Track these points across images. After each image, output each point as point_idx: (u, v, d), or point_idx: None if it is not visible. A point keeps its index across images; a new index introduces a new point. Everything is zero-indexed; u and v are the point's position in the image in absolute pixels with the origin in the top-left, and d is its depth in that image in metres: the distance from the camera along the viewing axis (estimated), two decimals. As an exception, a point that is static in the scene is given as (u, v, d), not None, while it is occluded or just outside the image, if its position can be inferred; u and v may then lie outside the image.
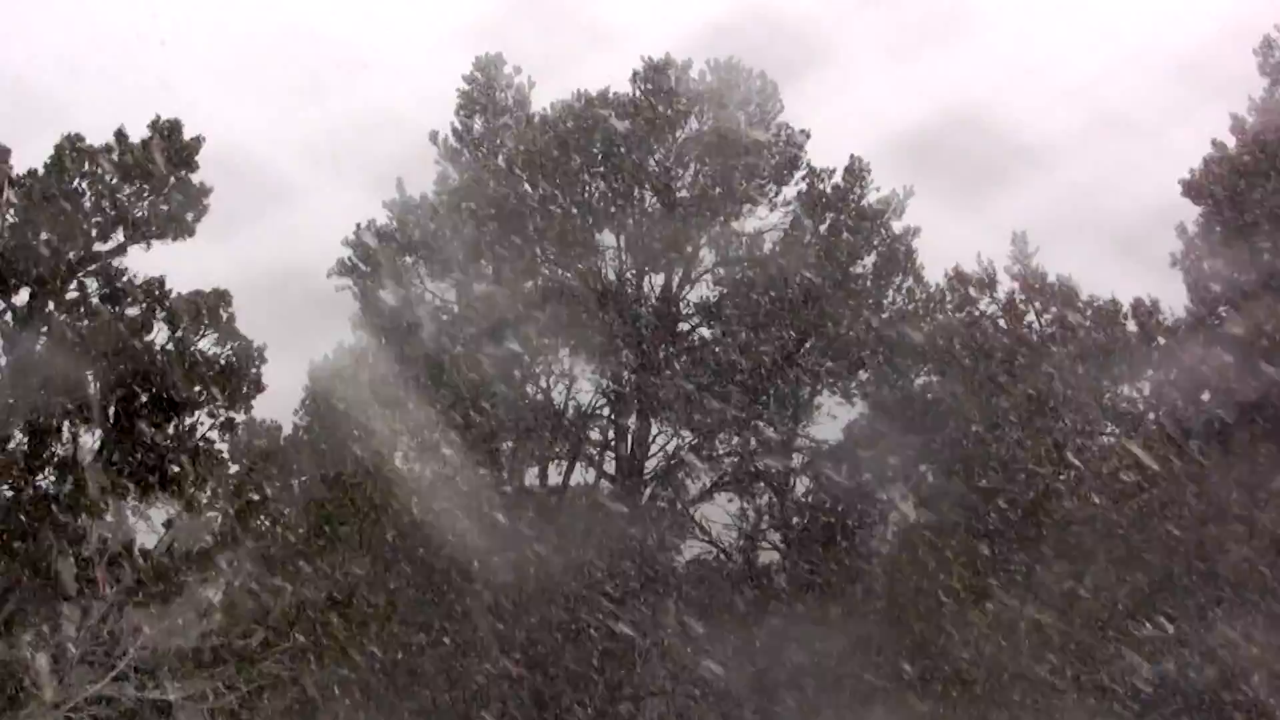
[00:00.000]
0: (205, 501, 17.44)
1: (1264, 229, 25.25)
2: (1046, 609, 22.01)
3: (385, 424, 27.56)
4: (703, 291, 31.09)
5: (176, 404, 17.84)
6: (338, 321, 29.98)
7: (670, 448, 30.75)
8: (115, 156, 18.17)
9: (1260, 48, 27.41)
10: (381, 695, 23.01)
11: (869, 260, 30.72)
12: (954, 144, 38.75)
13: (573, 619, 27.27)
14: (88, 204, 18.19)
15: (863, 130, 35.70)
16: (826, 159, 31.13)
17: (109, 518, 16.96)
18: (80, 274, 18.14)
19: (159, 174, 18.23)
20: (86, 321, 17.73)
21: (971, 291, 28.22)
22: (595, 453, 30.79)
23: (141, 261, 18.53)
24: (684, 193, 30.87)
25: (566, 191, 30.43)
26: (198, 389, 17.90)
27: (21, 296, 17.81)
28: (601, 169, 30.58)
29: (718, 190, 30.70)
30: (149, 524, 17.30)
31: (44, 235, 17.73)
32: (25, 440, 17.28)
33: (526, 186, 30.79)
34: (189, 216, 18.57)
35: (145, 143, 18.31)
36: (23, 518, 16.33)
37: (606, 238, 30.95)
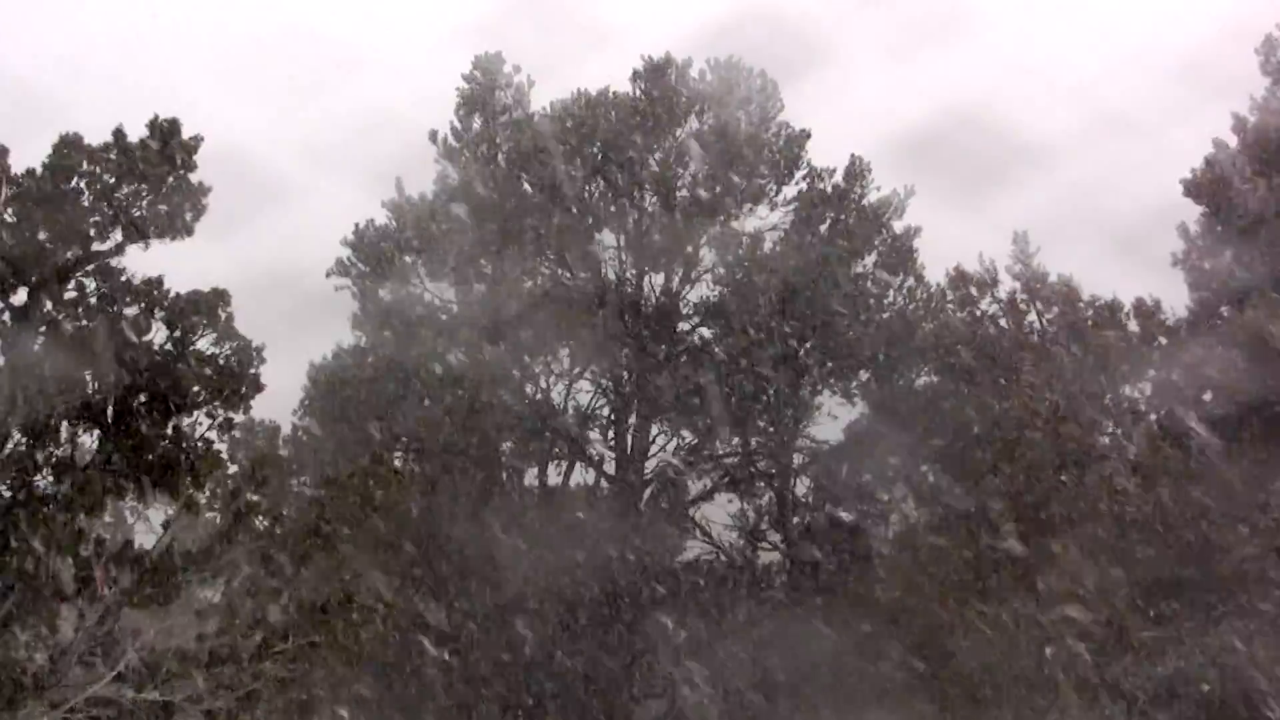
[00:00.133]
0: (204, 502, 17.35)
1: (1265, 229, 25.23)
2: (1047, 609, 21.96)
3: (384, 424, 27.56)
4: (703, 291, 31.12)
5: (175, 404, 17.76)
6: (337, 321, 30.00)
7: (670, 448, 30.75)
8: (113, 156, 18.08)
9: (1261, 47, 27.38)
10: (381, 696, 23.00)
11: (870, 260, 30.70)
12: (954, 143, 38.82)
13: (573, 619, 27.27)
14: (86, 203, 18.09)
15: (863, 130, 35.77)
16: (827, 159, 31.19)
17: (107, 518, 16.89)
18: (78, 274, 18.05)
19: (157, 174, 18.14)
20: (85, 321, 17.65)
21: (973, 291, 28.20)
22: (595, 453, 30.77)
23: (140, 261, 18.44)
24: (684, 193, 30.84)
25: (566, 191, 30.39)
26: (196, 389, 17.82)
27: (19, 296, 17.71)
28: (601, 169, 30.54)
29: (718, 190, 30.67)
30: (147, 524, 17.23)
31: (42, 235, 17.65)
32: (23, 440, 17.21)
33: (526, 186, 30.78)
34: (188, 216, 18.47)
35: (144, 142, 18.21)
36: (21, 518, 16.26)
37: (606, 238, 30.93)
